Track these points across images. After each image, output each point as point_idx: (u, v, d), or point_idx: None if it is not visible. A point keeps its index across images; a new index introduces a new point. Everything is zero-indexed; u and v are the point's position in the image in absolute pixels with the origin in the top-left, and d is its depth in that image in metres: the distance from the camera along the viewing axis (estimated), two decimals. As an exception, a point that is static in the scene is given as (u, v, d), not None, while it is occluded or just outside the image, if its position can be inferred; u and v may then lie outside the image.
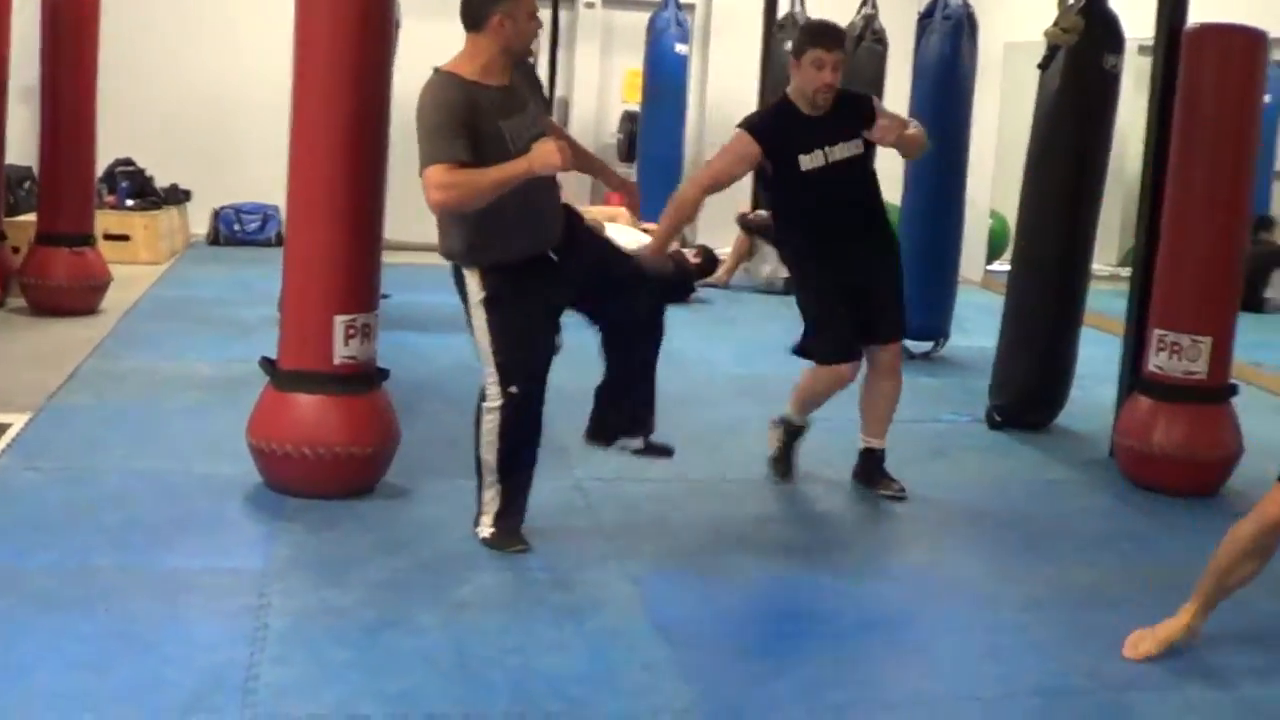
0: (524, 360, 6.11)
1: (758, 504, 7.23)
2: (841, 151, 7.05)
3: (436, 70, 5.98)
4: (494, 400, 6.09)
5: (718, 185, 7.20)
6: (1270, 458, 8.17)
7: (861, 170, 7.19)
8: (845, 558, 6.57)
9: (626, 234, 13.30)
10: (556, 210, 6.20)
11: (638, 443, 6.55)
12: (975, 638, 5.69)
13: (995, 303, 9.67)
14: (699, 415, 7.85)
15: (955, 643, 5.64)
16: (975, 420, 9.11)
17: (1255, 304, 13.69)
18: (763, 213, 13.89)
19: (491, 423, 6.12)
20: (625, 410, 6.54)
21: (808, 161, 7.02)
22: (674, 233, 7.19)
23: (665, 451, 6.64)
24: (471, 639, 5.27)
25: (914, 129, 7.15)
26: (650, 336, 6.45)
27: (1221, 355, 7.80)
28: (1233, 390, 7.93)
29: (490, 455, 6.17)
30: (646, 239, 13.30)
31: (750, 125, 7.18)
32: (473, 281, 6.03)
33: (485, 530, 6.26)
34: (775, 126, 7.15)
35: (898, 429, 7.68)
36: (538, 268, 6.06)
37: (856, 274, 7.15)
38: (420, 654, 5.12)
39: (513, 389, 6.08)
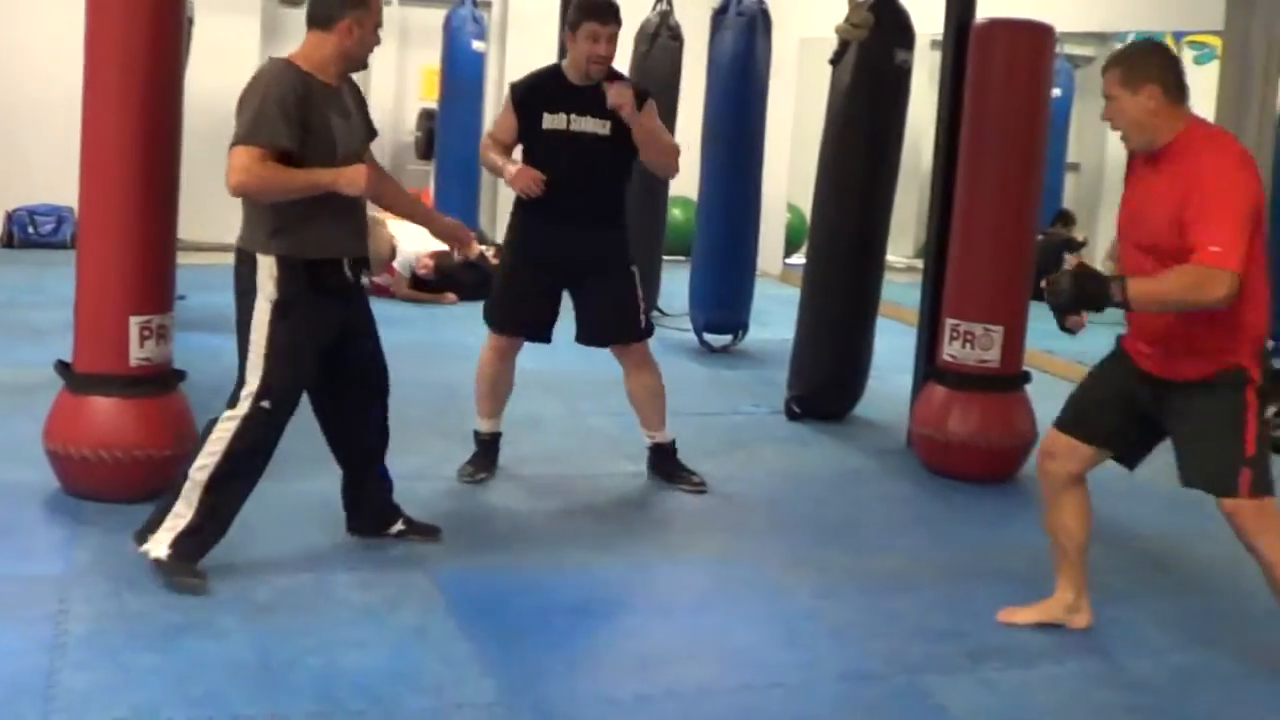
0: (292, 378, 5.88)
1: (556, 498, 7.27)
2: (587, 125, 7.14)
3: (273, 59, 5.92)
4: (240, 409, 5.77)
5: (496, 137, 7.32)
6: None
7: (607, 155, 7.19)
8: (643, 549, 6.63)
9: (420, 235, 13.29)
10: (363, 226, 6.12)
11: (399, 525, 6.47)
12: (774, 626, 5.77)
13: (793, 295, 9.77)
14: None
15: (754, 631, 5.71)
16: (774, 412, 9.20)
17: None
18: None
19: (225, 432, 5.76)
20: (376, 506, 6.46)
21: (549, 121, 7.14)
22: (498, 170, 7.25)
23: (432, 531, 6.52)
24: (274, 641, 5.25)
25: (648, 126, 7.16)
26: (383, 433, 6.40)
27: (1014, 344, 7.95)
28: (1026, 378, 8.09)
29: (206, 468, 5.75)
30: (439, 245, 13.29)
31: (513, 83, 7.39)
32: (266, 276, 5.76)
33: (160, 549, 5.72)
34: (533, 85, 7.31)
35: (697, 421, 7.77)
36: (331, 280, 5.90)
37: (569, 258, 7.22)
38: (223, 657, 5.10)
39: (265, 403, 5.79)
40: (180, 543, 5.72)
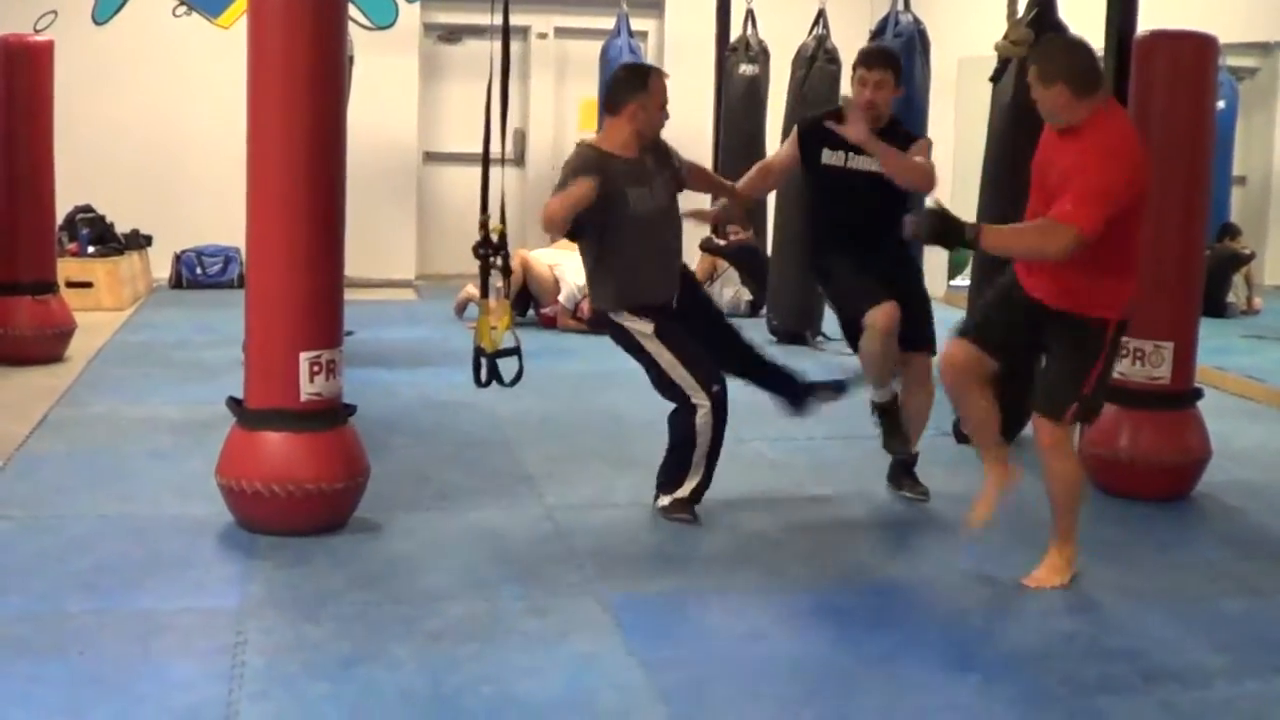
0: (708, 364, 7.04)
1: (723, 523, 7.23)
2: (861, 164, 7.47)
3: (579, 143, 7.16)
4: (704, 405, 6.96)
5: (769, 161, 8.25)
6: (1237, 460, 8.31)
7: (880, 191, 7.52)
8: (814, 574, 6.59)
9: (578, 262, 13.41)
10: (675, 267, 7.30)
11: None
12: (947, 649, 5.70)
13: (958, 317, 9.69)
14: (665, 439, 7.87)
15: (928, 654, 5.64)
16: (943, 434, 9.10)
17: (1218, 309, 13.76)
18: (720, 240, 13.99)
19: (705, 423, 6.98)
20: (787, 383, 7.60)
21: (828, 156, 7.55)
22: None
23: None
24: (447, 669, 5.28)
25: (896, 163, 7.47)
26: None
27: (1185, 360, 7.84)
28: (1197, 394, 7.97)
29: (702, 452, 7.05)
30: None
31: (800, 119, 8.16)
32: (631, 323, 7.04)
33: (665, 500, 7.20)
34: (816, 122, 7.69)
35: (865, 444, 7.80)
36: (667, 311, 7.10)
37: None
38: (397, 686, 5.13)
39: (715, 388, 6.97)
40: (693, 495, 7.20)
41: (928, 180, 7.46)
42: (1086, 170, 6.04)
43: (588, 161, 6.93)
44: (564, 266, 13.02)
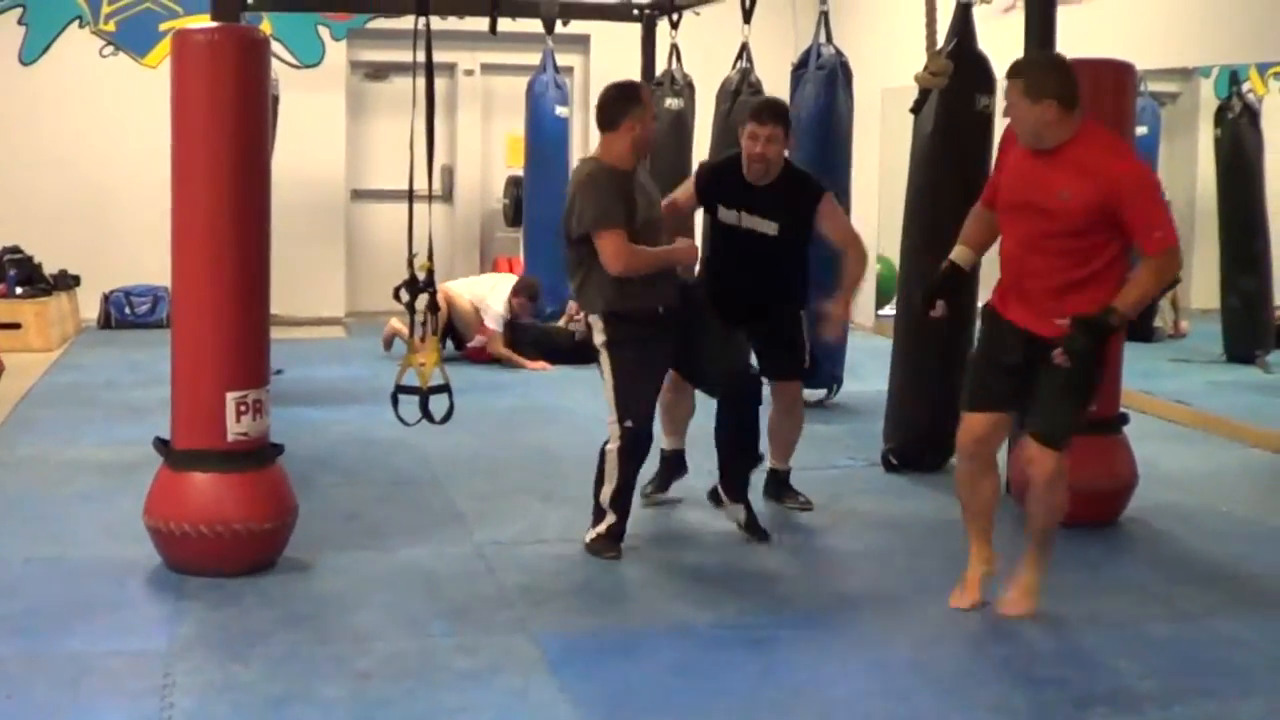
0: (638, 398, 7.10)
1: (656, 556, 7.27)
2: (755, 224, 7.69)
3: (584, 159, 7.30)
4: (614, 435, 7.10)
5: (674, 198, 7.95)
6: (1164, 484, 8.35)
7: (774, 250, 7.75)
8: (744, 610, 6.58)
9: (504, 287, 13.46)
10: (666, 279, 7.23)
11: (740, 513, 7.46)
12: (876, 679, 5.73)
13: (886, 347, 9.75)
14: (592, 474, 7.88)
15: (856, 685, 5.67)
16: (871, 464, 9.15)
17: (1145, 334, 13.81)
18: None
19: (612, 456, 7.11)
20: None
21: (723, 214, 7.76)
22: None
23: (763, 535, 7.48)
24: (376, 708, 5.27)
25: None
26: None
27: (1110, 385, 7.85)
28: (1124, 420, 8.02)
29: (610, 490, 7.13)
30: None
31: (701, 165, 8.40)
32: (596, 327, 7.09)
33: (590, 536, 7.22)
34: (716, 173, 7.99)
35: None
36: (655, 320, 7.09)
37: (744, 320, 7.79)
38: (327, 726, 5.12)
39: (628, 423, 7.03)
40: (610, 532, 7.20)
41: (861, 257, 7.83)
42: (1135, 193, 5.96)
43: (611, 182, 7.06)
44: (486, 292, 13.00)
